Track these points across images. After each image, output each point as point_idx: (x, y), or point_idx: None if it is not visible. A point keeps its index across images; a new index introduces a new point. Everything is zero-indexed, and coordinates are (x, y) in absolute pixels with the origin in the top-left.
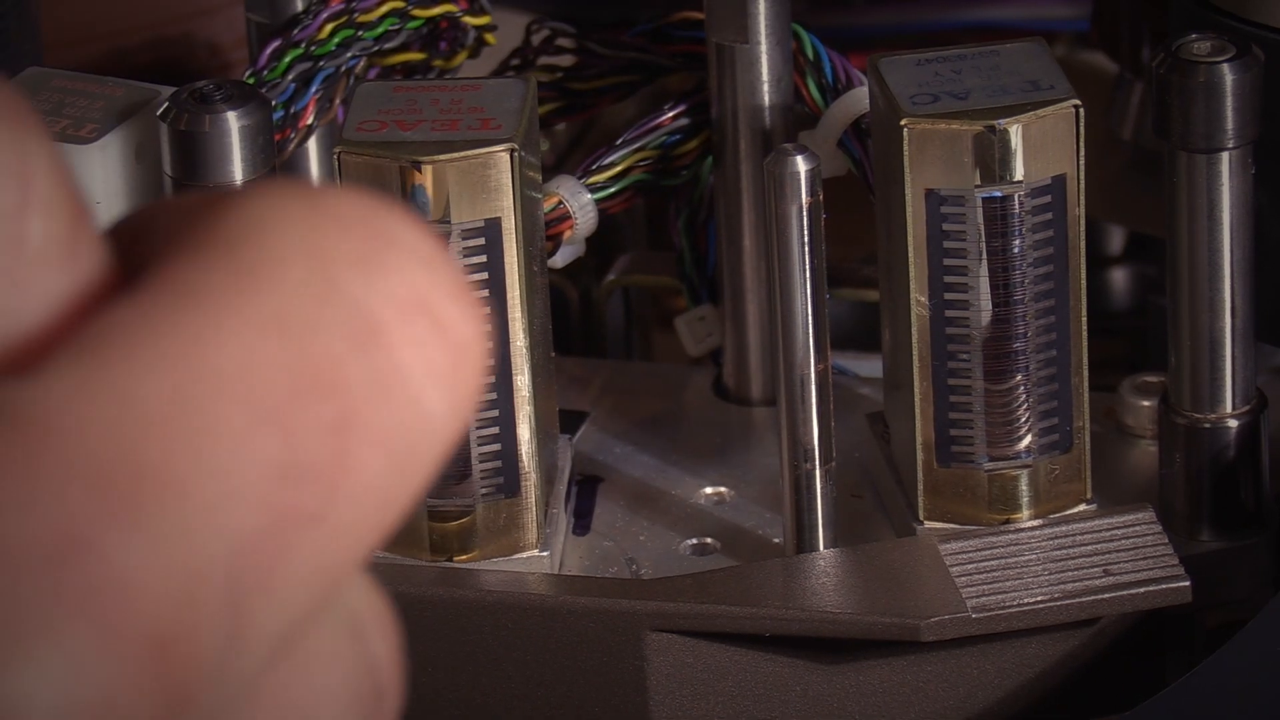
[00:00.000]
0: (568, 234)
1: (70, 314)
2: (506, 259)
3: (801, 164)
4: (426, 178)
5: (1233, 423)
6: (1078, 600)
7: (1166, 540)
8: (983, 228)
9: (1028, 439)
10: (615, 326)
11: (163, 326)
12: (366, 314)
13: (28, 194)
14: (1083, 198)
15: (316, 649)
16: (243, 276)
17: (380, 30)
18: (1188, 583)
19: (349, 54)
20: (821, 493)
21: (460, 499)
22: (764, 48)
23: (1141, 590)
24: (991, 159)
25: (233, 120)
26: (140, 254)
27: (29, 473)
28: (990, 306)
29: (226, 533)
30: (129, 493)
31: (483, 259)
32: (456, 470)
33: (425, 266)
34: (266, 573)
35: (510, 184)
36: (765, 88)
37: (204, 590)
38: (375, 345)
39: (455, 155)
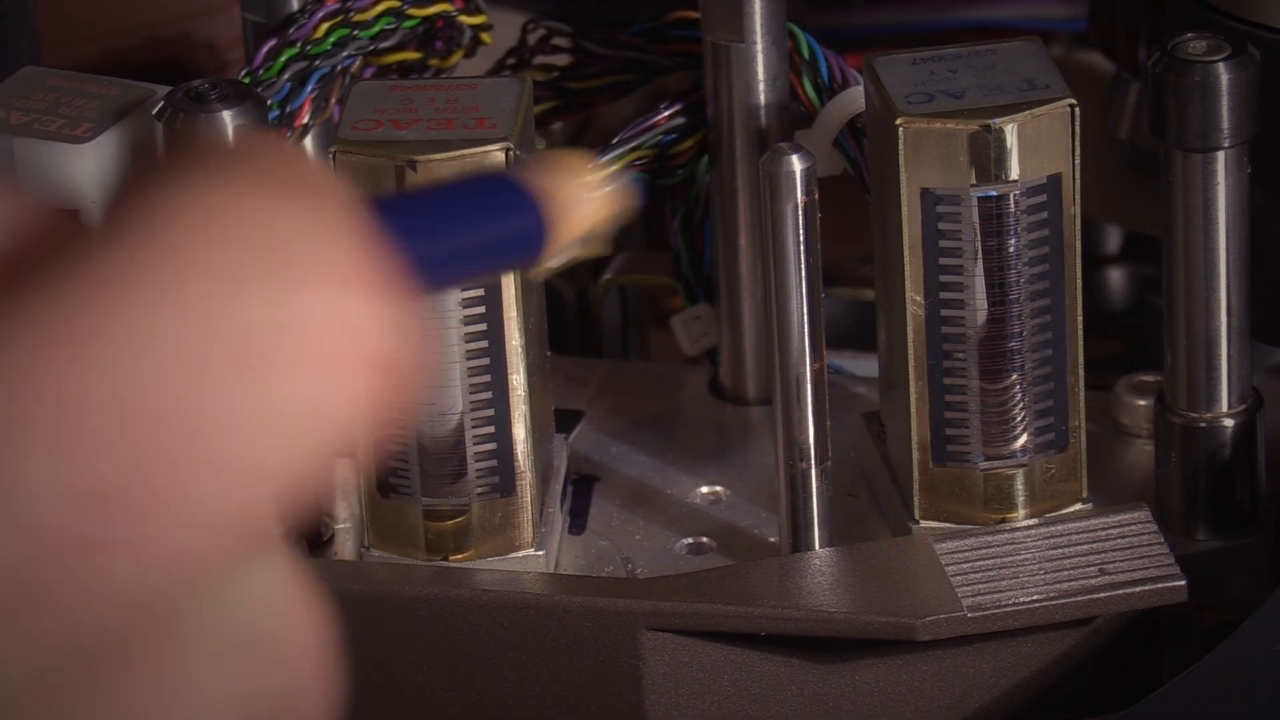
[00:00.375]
0: None
1: None
2: None
3: (797, 163)
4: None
5: (1228, 422)
6: (1073, 599)
7: (1162, 539)
8: (978, 227)
9: (1023, 438)
10: (611, 326)
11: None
12: (256, 339)
13: None
14: (1078, 197)
15: (170, 661)
16: (122, 291)
17: (376, 29)
18: (1183, 582)
19: (345, 53)
20: (817, 492)
21: (456, 498)
22: (760, 47)
23: (1137, 589)
24: (987, 158)
25: (228, 119)
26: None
27: None
28: (986, 306)
29: (7, 550)
30: None
31: None
32: (452, 469)
33: (338, 290)
34: (54, 588)
35: None
36: (761, 87)
37: None
38: (253, 373)
39: (451, 154)
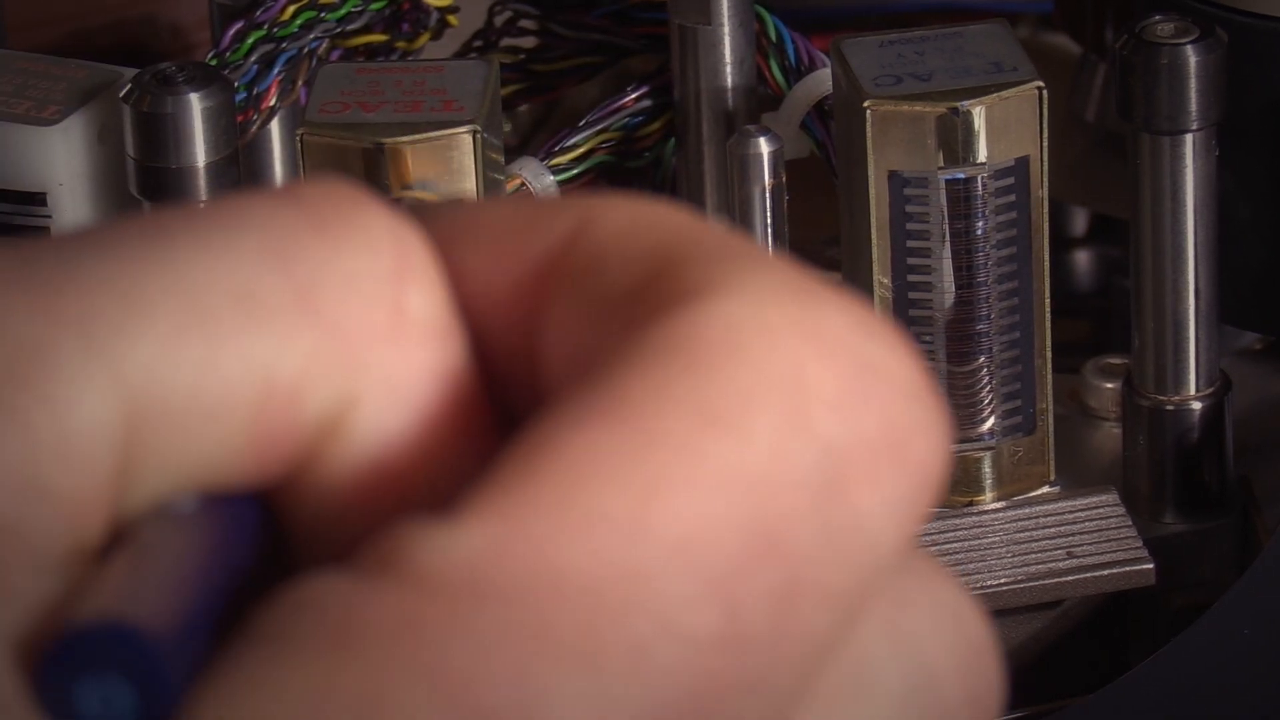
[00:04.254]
0: None
1: (457, 403)
2: None
3: (764, 146)
4: (390, 159)
5: (1196, 405)
6: (1041, 582)
7: (1130, 522)
8: (946, 210)
9: (991, 421)
10: None
11: (605, 475)
12: (835, 462)
13: (405, 263)
14: (1046, 179)
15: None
16: (709, 420)
17: (343, 11)
18: (1151, 565)
19: (311, 35)
20: None
21: None
22: (727, 29)
23: (1105, 572)
24: (954, 141)
25: (195, 102)
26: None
27: (464, 639)
28: (953, 288)
29: (643, 703)
30: (540, 665)
31: None
32: None
33: (906, 400)
34: None
35: (473, 165)
36: (728, 69)
37: None
38: (838, 496)
39: (418, 137)
